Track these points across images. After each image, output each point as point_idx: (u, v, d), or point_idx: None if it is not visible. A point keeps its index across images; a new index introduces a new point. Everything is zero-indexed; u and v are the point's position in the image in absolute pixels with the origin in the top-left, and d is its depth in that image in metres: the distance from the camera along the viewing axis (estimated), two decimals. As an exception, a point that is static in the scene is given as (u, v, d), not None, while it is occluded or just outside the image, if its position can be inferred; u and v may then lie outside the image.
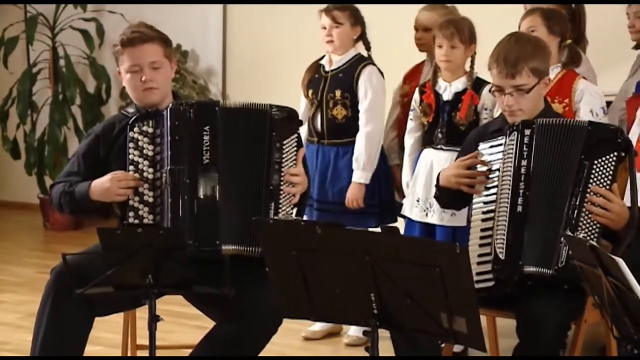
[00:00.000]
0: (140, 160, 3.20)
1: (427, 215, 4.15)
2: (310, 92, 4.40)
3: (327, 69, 4.38)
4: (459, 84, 4.14)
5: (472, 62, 4.13)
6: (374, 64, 4.36)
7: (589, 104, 3.95)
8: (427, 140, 4.22)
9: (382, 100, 4.35)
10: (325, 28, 4.34)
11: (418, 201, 4.18)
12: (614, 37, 4.47)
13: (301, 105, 4.40)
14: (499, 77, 3.19)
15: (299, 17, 5.98)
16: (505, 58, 3.17)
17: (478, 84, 4.08)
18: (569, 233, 2.57)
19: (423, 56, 4.55)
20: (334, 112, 4.34)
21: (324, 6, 4.37)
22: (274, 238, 2.65)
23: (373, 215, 4.35)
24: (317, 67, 4.43)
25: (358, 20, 4.36)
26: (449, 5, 4.52)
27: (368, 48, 4.43)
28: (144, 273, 2.85)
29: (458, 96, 4.12)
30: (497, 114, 3.90)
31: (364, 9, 4.42)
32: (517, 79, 3.16)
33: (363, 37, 4.41)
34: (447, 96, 4.15)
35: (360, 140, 4.30)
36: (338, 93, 4.34)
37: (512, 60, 3.16)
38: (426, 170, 4.16)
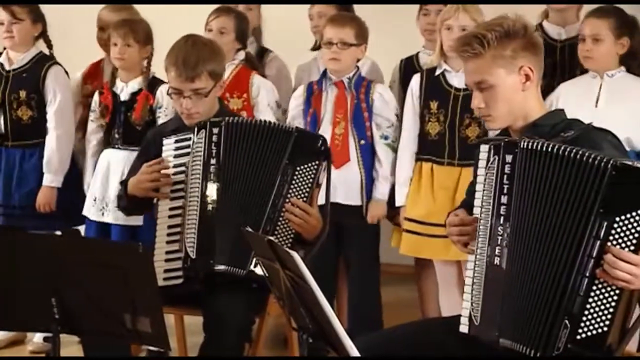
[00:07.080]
0: None
1: (103, 214, 4.14)
2: (-10, 91, 4.24)
3: (7, 67, 4.25)
4: (135, 84, 4.17)
5: (149, 62, 4.17)
6: (58, 64, 4.28)
7: (266, 98, 4.16)
8: (106, 141, 4.21)
9: (70, 101, 4.28)
10: (3, 23, 4.20)
11: (95, 200, 4.16)
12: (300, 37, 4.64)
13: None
14: (177, 80, 3.20)
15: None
16: (184, 61, 3.17)
17: (153, 84, 4.12)
18: (249, 228, 2.64)
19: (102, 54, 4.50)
20: (18, 112, 4.21)
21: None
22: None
23: (58, 218, 4.26)
24: (-6, 65, 4.27)
25: (39, 18, 4.28)
26: (129, 5, 4.52)
27: (50, 46, 4.34)
28: None
29: (134, 96, 4.15)
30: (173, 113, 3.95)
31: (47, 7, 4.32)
32: (196, 82, 3.19)
33: (44, 35, 4.32)
34: (123, 96, 4.17)
35: (51, 142, 4.20)
36: (23, 93, 4.22)
37: (191, 63, 3.17)
38: (103, 170, 4.16)
